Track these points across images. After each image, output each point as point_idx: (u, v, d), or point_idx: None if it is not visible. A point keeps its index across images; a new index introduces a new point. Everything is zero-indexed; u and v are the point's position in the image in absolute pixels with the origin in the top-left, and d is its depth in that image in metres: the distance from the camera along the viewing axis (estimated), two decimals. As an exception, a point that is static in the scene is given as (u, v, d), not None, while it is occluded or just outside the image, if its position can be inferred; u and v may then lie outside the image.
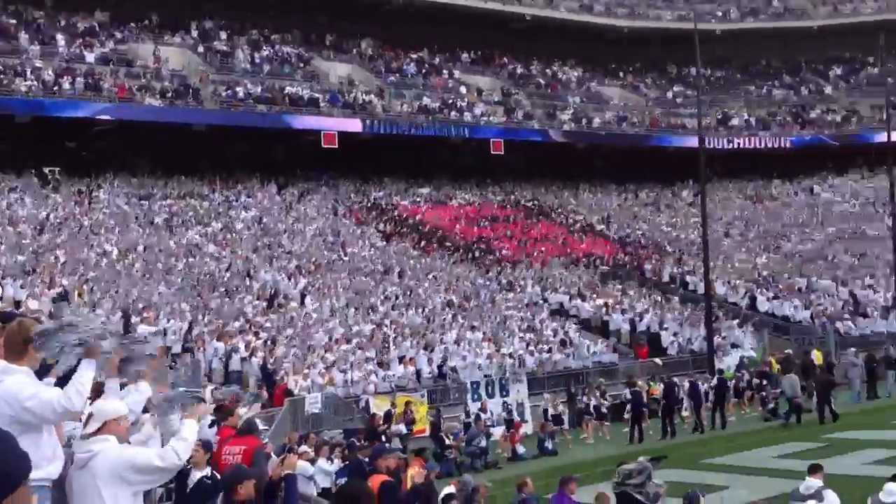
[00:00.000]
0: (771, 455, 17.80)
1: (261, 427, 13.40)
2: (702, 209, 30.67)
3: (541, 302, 31.79)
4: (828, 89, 56.33)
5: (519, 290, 32.51)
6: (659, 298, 33.83)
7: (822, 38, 56.75)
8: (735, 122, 51.17)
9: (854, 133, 51.39)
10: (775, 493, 12.20)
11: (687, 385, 22.94)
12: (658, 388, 23.09)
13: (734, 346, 29.40)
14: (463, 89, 45.70)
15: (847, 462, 16.04)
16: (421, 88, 44.37)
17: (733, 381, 25.45)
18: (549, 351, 26.77)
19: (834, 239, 43.64)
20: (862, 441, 18.48)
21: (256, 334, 23.79)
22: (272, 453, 11.19)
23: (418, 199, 41.85)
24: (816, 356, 28.38)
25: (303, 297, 27.39)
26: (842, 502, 9.05)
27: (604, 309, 31.42)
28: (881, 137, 41.11)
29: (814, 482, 9.29)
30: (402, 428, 18.58)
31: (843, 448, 17.73)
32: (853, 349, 28.04)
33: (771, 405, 23.77)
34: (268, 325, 24.57)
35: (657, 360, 27.71)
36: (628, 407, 22.26)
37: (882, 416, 22.00)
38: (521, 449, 20.34)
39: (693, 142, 37.86)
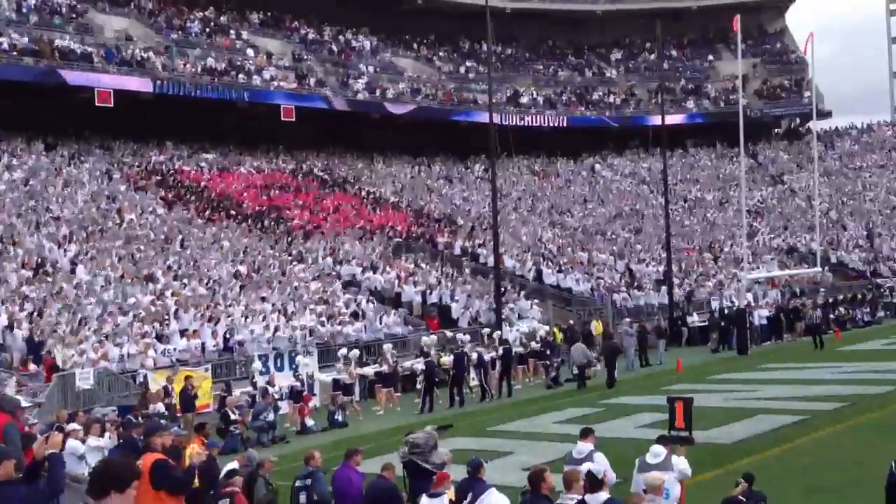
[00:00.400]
0: (553, 421, 18.42)
1: (24, 403, 12.26)
2: (492, 184, 31.22)
3: (333, 273, 31.33)
4: (609, 72, 59.24)
5: (311, 261, 31.85)
6: (450, 271, 34.28)
7: (605, 22, 59.63)
8: (524, 99, 52.68)
9: (632, 115, 54.46)
10: (554, 458, 12.48)
11: (475, 355, 23.33)
12: (447, 359, 23.32)
13: (521, 317, 30.28)
14: (251, 52, 44.01)
15: (620, 425, 16.85)
16: (206, 48, 42.28)
17: (518, 350, 26.16)
18: (341, 323, 26.37)
19: (613, 215, 46.12)
20: (634, 406, 19.53)
21: (21, 305, 21.86)
22: (38, 433, 10.19)
23: (203, 165, 39.96)
24: (595, 326, 29.93)
25: (73, 265, 25.43)
26: (613, 464, 9.27)
27: (396, 281, 31.42)
28: (656, 120, 43.67)
29: (585, 446, 9.57)
30: (161, 406, 17.52)
31: (617, 412, 18.63)
32: (628, 320, 29.81)
33: (553, 373, 24.71)
34: (33, 294, 22.64)
35: (447, 332, 28.01)
36: (421, 377, 22.33)
37: (653, 381, 23.42)
38: (310, 422, 19.99)
39: (484, 117, 38.53)
